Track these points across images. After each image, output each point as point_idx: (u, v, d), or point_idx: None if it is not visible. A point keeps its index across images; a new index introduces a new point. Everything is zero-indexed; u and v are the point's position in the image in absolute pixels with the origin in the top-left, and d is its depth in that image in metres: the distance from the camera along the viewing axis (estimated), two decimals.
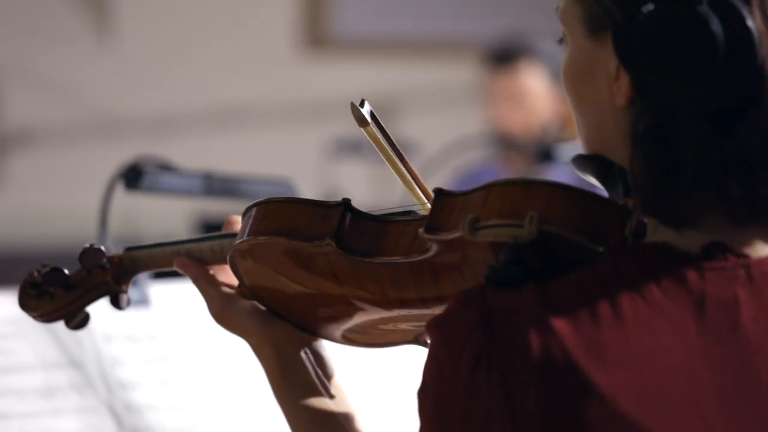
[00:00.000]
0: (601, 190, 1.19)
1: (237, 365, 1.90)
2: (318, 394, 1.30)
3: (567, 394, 1.06)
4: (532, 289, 1.09)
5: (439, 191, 1.19)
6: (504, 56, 3.92)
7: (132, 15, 5.49)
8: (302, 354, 1.31)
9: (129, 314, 1.84)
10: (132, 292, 1.46)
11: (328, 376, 1.32)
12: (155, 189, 2.11)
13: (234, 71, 5.56)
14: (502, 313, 1.08)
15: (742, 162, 1.11)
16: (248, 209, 1.31)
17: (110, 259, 1.43)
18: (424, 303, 1.23)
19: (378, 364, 1.92)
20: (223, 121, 5.54)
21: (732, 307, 1.11)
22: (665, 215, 1.13)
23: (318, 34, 5.69)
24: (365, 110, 1.26)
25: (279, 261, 1.28)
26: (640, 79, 1.12)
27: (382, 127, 1.28)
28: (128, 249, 1.43)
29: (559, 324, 1.07)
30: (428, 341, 1.12)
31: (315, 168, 4.43)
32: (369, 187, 5.16)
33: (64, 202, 5.28)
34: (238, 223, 1.35)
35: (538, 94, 3.89)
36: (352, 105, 1.26)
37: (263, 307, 1.33)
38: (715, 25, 1.09)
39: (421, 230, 1.18)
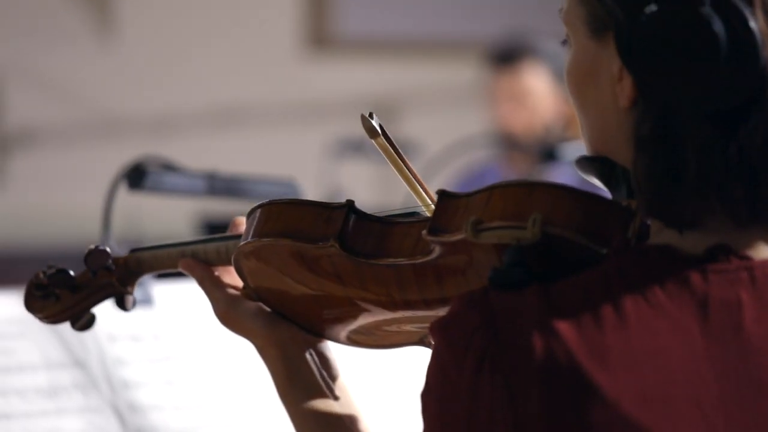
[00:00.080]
0: (605, 191, 1.19)
1: (241, 365, 1.90)
2: (323, 395, 1.30)
3: (570, 396, 1.06)
4: (536, 291, 1.09)
5: (442, 193, 1.19)
6: (507, 56, 3.92)
7: (133, 15, 5.50)
8: (307, 355, 1.32)
9: (133, 314, 1.84)
10: (136, 292, 1.47)
11: (333, 378, 1.32)
12: (158, 189, 2.11)
13: (236, 71, 5.56)
14: (505, 315, 1.08)
15: (744, 163, 1.11)
16: (252, 211, 1.31)
17: (115, 260, 1.43)
18: (427, 305, 1.23)
19: (383, 365, 1.92)
20: (225, 121, 5.54)
21: (735, 309, 1.11)
22: (668, 217, 1.13)
23: (320, 33, 5.69)
24: (375, 122, 1.27)
25: (283, 262, 1.29)
26: (642, 80, 1.12)
27: (391, 138, 1.29)
28: (133, 250, 1.44)
29: (563, 326, 1.07)
30: (432, 343, 1.13)
31: (317, 168, 4.44)
32: (371, 187, 5.16)
33: (65, 202, 5.29)
34: (243, 224, 1.35)
35: (540, 94, 3.89)
36: (362, 117, 1.27)
37: (268, 309, 1.34)
38: (718, 26, 1.09)
39: (424, 232, 1.19)
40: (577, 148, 2.88)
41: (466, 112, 5.15)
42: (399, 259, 1.23)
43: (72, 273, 1.43)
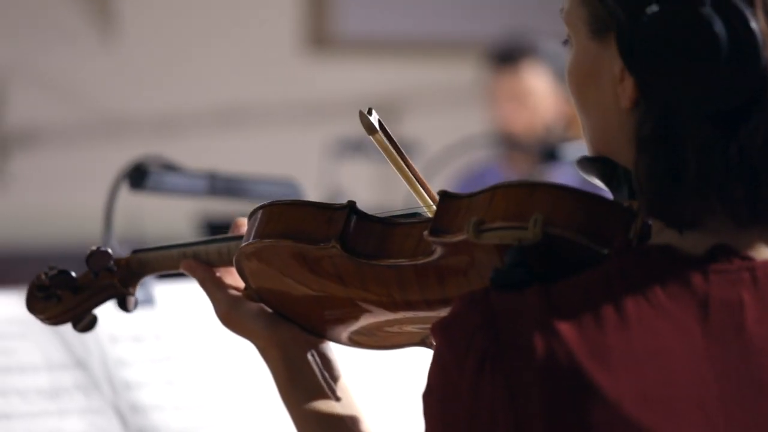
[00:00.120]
0: (606, 191, 1.19)
1: (242, 365, 1.90)
2: (325, 396, 1.30)
3: (571, 396, 1.06)
4: (537, 292, 1.09)
5: (443, 194, 1.19)
6: (507, 56, 3.92)
7: (135, 15, 5.50)
8: (309, 356, 1.32)
9: (134, 314, 1.84)
10: (137, 293, 1.47)
11: (335, 378, 1.32)
12: (160, 189, 2.12)
13: (237, 71, 5.56)
14: (506, 316, 1.08)
15: (744, 163, 1.11)
16: (254, 212, 1.31)
17: (117, 261, 1.43)
18: (429, 305, 1.24)
19: (384, 366, 1.92)
20: (227, 121, 5.54)
21: (736, 309, 1.11)
22: (669, 217, 1.13)
23: (321, 33, 5.69)
24: (373, 118, 1.27)
25: (285, 263, 1.29)
26: (644, 81, 1.12)
27: (390, 134, 1.29)
28: (135, 251, 1.44)
29: (564, 326, 1.07)
30: (433, 343, 1.13)
31: (318, 168, 4.44)
32: (372, 187, 5.16)
33: (66, 202, 5.29)
34: (244, 225, 1.35)
35: (541, 94, 3.89)
36: (361, 113, 1.27)
37: (270, 310, 1.34)
38: (719, 27, 1.09)
39: (425, 233, 1.19)
40: (578, 148, 2.88)
41: (467, 112, 5.15)
42: (400, 260, 1.23)
43: (74, 274, 1.43)
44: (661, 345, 1.09)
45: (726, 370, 1.09)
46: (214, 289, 1.36)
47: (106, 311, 1.47)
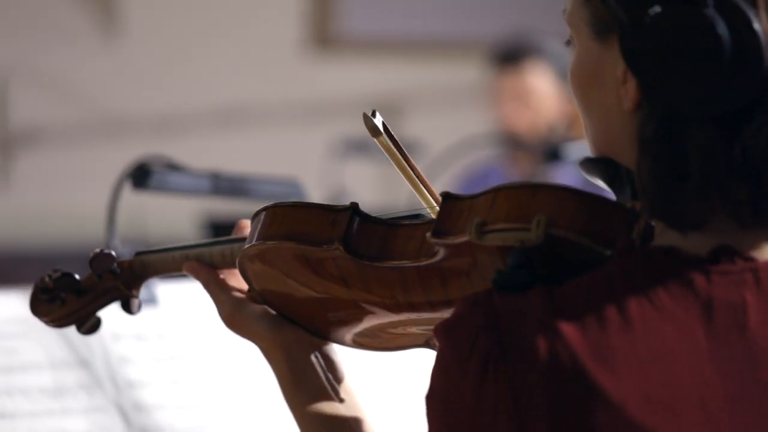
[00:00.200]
0: (609, 192, 1.19)
1: (245, 364, 1.90)
2: (328, 398, 1.30)
3: (574, 398, 1.06)
4: (540, 293, 1.09)
5: (446, 195, 1.19)
6: (510, 56, 3.92)
7: (137, 14, 5.50)
8: (313, 358, 1.32)
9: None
10: (141, 292, 1.47)
11: (339, 380, 1.32)
12: (163, 188, 2.12)
13: (240, 71, 5.57)
14: (509, 317, 1.08)
15: (747, 164, 1.11)
16: (257, 214, 1.31)
17: (121, 264, 1.43)
18: (432, 307, 1.23)
19: (388, 367, 1.92)
20: (229, 121, 5.54)
21: (739, 310, 1.11)
22: (672, 218, 1.13)
23: (324, 33, 5.69)
24: (377, 120, 1.27)
25: (288, 265, 1.29)
26: (646, 83, 1.12)
27: (394, 137, 1.29)
28: (138, 254, 1.44)
29: (567, 328, 1.07)
30: (437, 345, 1.13)
31: (321, 167, 4.44)
32: (375, 187, 5.16)
33: (69, 202, 5.29)
34: (247, 227, 1.35)
35: (544, 94, 3.89)
36: (365, 116, 1.27)
37: (273, 312, 1.34)
38: (722, 28, 1.09)
39: (428, 234, 1.19)
40: (581, 147, 2.88)
41: (470, 111, 5.15)
42: (403, 262, 1.23)
43: (77, 277, 1.43)
44: (664, 346, 1.09)
45: (729, 372, 1.09)
46: (218, 291, 1.36)
47: (110, 310, 1.48)
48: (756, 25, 1.09)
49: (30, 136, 5.41)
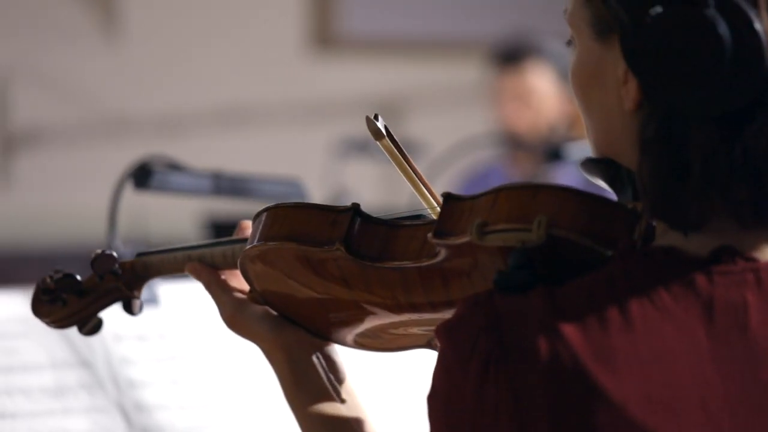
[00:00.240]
0: (610, 193, 1.19)
1: (246, 364, 1.90)
2: (330, 398, 1.30)
3: (575, 398, 1.06)
4: (541, 294, 1.09)
5: (447, 196, 1.19)
6: (510, 56, 3.92)
7: (139, 14, 5.50)
8: (314, 359, 1.32)
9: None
10: (142, 293, 1.47)
11: (340, 381, 1.32)
12: (164, 188, 2.12)
13: (241, 71, 5.57)
14: (510, 318, 1.08)
15: (749, 165, 1.11)
16: (258, 214, 1.31)
17: (122, 265, 1.43)
18: (433, 307, 1.23)
19: (389, 368, 1.92)
20: (231, 121, 5.54)
21: (741, 311, 1.11)
22: (673, 219, 1.13)
23: (325, 33, 5.69)
24: (380, 123, 1.27)
25: (289, 266, 1.29)
26: (647, 83, 1.12)
27: (396, 140, 1.29)
28: (140, 254, 1.44)
29: (568, 328, 1.07)
30: (438, 345, 1.13)
31: (322, 167, 4.44)
32: (376, 187, 5.16)
33: (70, 202, 5.29)
34: (248, 228, 1.35)
35: (544, 94, 3.89)
36: (368, 119, 1.28)
37: (275, 312, 1.34)
38: (723, 29, 1.09)
39: (429, 235, 1.19)
40: (582, 147, 2.88)
41: (471, 111, 5.15)
42: (405, 262, 1.23)
43: (79, 278, 1.43)
44: (665, 347, 1.09)
45: (731, 372, 1.09)
46: (219, 292, 1.36)
47: (111, 310, 1.48)
48: (757, 26, 1.09)
49: (31, 136, 5.41)
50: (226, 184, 2.19)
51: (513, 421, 1.07)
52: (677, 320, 1.09)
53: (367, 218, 1.27)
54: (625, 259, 1.11)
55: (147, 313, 1.89)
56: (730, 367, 1.10)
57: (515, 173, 3.93)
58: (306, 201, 2.02)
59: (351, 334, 1.33)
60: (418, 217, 1.29)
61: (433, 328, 1.25)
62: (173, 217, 4.42)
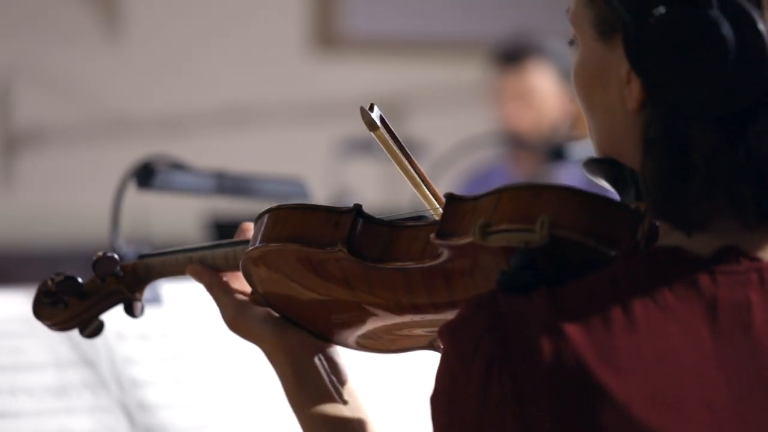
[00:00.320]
0: (613, 193, 1.19)
1: (249, 364, 1.90)
2: (332, 400, 1.30)
3: (579, 399, 1.06)
4: (544, 294, 1.09)
5: (450, 196, 1.19)
6: (512, 55, 3.92)
7: (141, 14, 5.50)
8: (316, 360, 1.31)
9: None
10: (145, 292, 1.47)
11: (342, 383, 1.32)
12: (167, 188, 2.12)
13: (244, 70, 5.57)
14: (513, 319, 1.08)
15: (752, 165, 1.11)
16: (260, 216, 1.31)
17: (124, 267, 1.43)
18: (436, 308, 1.23)
19: (392, 369, 1.92)
20: (233, 120, 5.55)
21: (744, 310, 1.10)
22: (676, 219, 1.13)
23: (327, 33, 5.69)
24: (375, 114, 1.27)
25: (291, 267, 1.28)
26: (650, 83, 1.12)
27: (392, 130, 1.28)
28: (141, 257, 1.43)
29: (571, 329, 1.07)
30: (441, 346, 1.13)
31: (325, 167, 4.44)
32: (379, 187, 5.16)
33: (73, 202, 5.29)
34: (250, 230, 1.35)
35: (546, 93, 3.89)
36: (362, 109, 1.27)
37: (276, 314, 1.33)
38: (726, 29, 1.09)
39: (432, 236, 1.18)
40: (585, 147, 2.88)
41: (473, 111, 5.15)
42: (407, 263, 1.22)
43: (80, 280, 1.43)
44: (669, 347, 1.09)
45: (735, 372, 1.09)
46: (221, 293, 1.35)
47: (114, 309, 1.48)
48: (760, 26, 1.09)
49: (33, 135, 5.42)
50: (229, 184, 2.19)
51: (516, 422, 1.07)
52: (681, 320, 1.09)
53: (369, 219, 1.26)
54: (628, 259, 1.11)
55: (150, 313, 1.89)
56: (734, 366, 1.09)
57: (518, 173, 3.93)
58: (309, 201, 2.02)
59: (353, 335, 1.32)
60: (421, 217, 1.28)
61: (435, 329, 1.25)
62: (176, 216, 4.43)
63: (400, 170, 1.30)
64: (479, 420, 1.08)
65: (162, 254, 1.43)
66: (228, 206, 2.78)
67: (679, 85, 1.11)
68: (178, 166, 2.13)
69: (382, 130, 1.27)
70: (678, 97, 1.11)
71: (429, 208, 1.30)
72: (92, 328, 1.44)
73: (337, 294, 1.28)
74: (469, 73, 5.36)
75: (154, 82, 5.48)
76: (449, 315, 1.20)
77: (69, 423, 1.80)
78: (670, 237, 1.14)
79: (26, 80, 5.36)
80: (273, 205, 1.31)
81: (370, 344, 1.34)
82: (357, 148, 4.04)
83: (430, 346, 1.33)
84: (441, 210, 1.21)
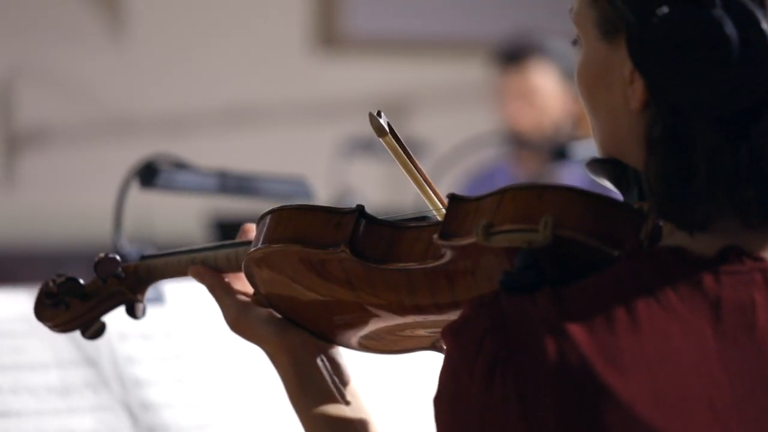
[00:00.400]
0: (616, 193, 1.19)
1: (251, 363, 1.90)
2: (334, 401, 1.30)
3: (583, 399, 1.06)
4: (547, 294, 1.09)
5: (452, 197, 1.19)
6: (514, 55, 3.92)
7: (145, 13, 5.50)
8: (318, 361, 1.31)
9: None
10: (146, 295, 1.46)
11: (345, 383, 1.32)
12: (170, 187, 2.12)
13: (246, 70, 5.57)
14: (516, 319, 1.08)
15: (755, 165, 1.11)
16: (262, 217, 1.31)
17: (125, 268, 1.42)
18: (439, 309, 1.23)
19: (394, 370, 1.92)
20: (236, 120, 5.55)
21: (748, 310, 1.10)
22: (679, 218, 1.13)
23: (330, 33, 5.69)
24: (383, 120, 1.27)
25: (294, 268, 1.28)
26: (654, 83, 1.12)
27: (399, 137, 1.29)
28: (143, 258, 1.43)
29: (575, 329, 1.07)
30: (444, 347, 1.13)
31: (327, 166, 4.44)
32: (381, 186, 5.16)
33: (76, 201, 5.30)
34: (252, 231, 1.34)
35: (548, 93, 3.89)
36: (371, 115, 1.27)
37: (279, 315, 1.33)
38: (729, 29, 1.09)
39: (435, 236, 1.18)
40: (588, 146, 2.88)
41: (475, 110, 5.15)
42: (410, 264, 1.22)
43: (81, 281, 1.43)
44: (672, 347, 1.08)
45: (738, 372, 1.09)
46: (223, 294, 1.35)
47: (115, 310, 1.48)
48: (764, 26, 1.09)
49: (36, 135, 5.42)
50: (232, 183, 2.19)
51: (520, 422, 1.06)
52: (684, 320, 1.09)
53: (371, 220, 1.26)
54: (631, 260, 1.11)
55: (152, 312, 1.89)
56: (738, 367, 1.09)
57: (520, 172, 3.93)
58: (311, 200, 2.02)
59: (355, 336, 1.32)
60: (423, 218, 1.28)
61: (437, 330, 1.25)
62: (179, 216, 4.43)
63: (405, 173, 1.30)
64: (482, 421, 1.08)
65: (164, 255, 1.43)
66: (231, 206, 2.78)
67: (682, 84, 1.11)
68: (181, 166, 2.13)
69: (390, 136, 1.28)
70: (681, 97, 1.11)
71: (432, 208, 1.30)
72: (94, 330, 1.44)
73: (340, 295, 1.28)
74: (471, 73, 5.36)
75: (157, 81, 5.49)
76: (452, 316, 1.20)
77: (71, 422, 1.80)
78: (673, 237, 1.14)
79: (29, 80, 5.37)
80: (275, 205, 1.31)
81: (372, 345, 1.34)
82: (360, 147, 4.04)
83: (433, 347, 1.33)
84: (444, 210, 1.21)
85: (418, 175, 1.30)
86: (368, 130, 1.30)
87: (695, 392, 1.08)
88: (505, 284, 1.10)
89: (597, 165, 1.19)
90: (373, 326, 1.30)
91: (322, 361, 1.32)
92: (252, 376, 1.90)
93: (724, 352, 1.10)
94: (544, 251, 1.10)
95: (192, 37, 5.54)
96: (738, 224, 1.13)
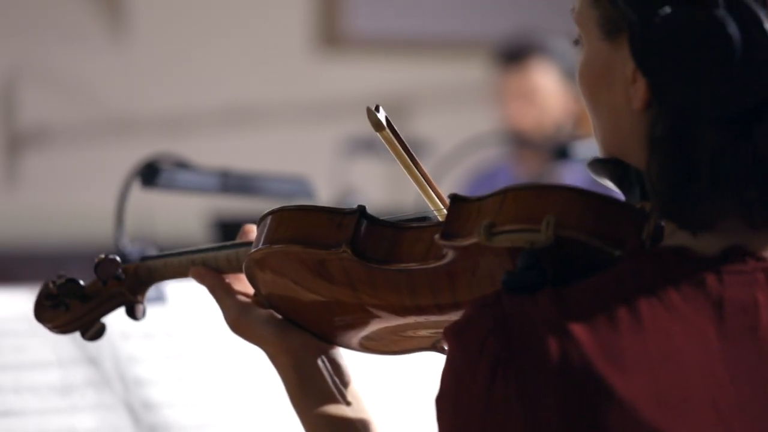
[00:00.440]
0: (618, 193, 1.19)
1: (252, 362, 1.90)
2: (335, 402, 1.30)
3: (585, 399, 1.06)
4: (549, 294, 1.08)
5: (454, 197, 1.19)
6: (514, 54, 3.92)
7: (146, 13, 5.50)
8: (319, 362, 1.31)
9: None
10: (147, 295, 1.46)
11: (345, 384, 1.31)
12: (172, 186, 2.12)
13: (248, 70, 5.57)
14: (518, 319, 1.08)
15: (758, 165, 1.11)
16: (263, 218, 1.30)
17: (125, 269, 1.42)
18: (440, 310, 1.23)
19: (396, 371, 1.92)
20: (237, 120, 5.55)
21: (751, 310, 1.10)
22: (682, 218, 1.13)
23: (332, 32, 5.69)
24: (381, 115, 1.27)
25: (294, 269, 1.28)
26: (656, 83, 1.12)
27: (397, 132, 1.28)
28: (143, 259, 1.43)
29: (577, 329, 1.07)
30: (446, 348, 1.12)
31: (329, 166, 4.44)
32: (383, 186, 5.16)
33: (77, 201, 5.30)
34: (253, 231, 1.34)
35: (549, 92, 3.89)
36: (368, 110, 1.27)
37: (279, 316, 1.33)
38: (732, 29, 1.09)
39: (436, 237, 1.18)
40: (589, 146, 2.88)
41: (476, 110, 5.15)
42: (411, 264, 1.22)
43: (82, 282, 1.42)
44: (675, 346, 1.08)
45: (741, 371, 1.09)
46: (224, 295, 1.35)
47: (116, 311, 1.48)
48: (767, 26, 1.09)
49: (38, 135, 5.42)
50: (233, 182, 2.19)
51: (522, 423, 1.06)
52: (687, 320, 1.09)
53: (373, 220, 1.26)
54: (633, 259, 1.11)
55: (154, 312, 1.90)
56: (741, 366, 1.09)
57: (522, 172, 3.93)
58: (313, 200, 2.02)
59: (356, 337, 1.32)
60: (425, 218, 1.28)
61: (439, 330, 1.25)
62: (180, 215, 4.43)
63: (404, 170, 1.30)
64: (484, 421, 1.07)
65: (164, 256, 1.42)
66: (232, 205, 2.78)
67: (684, 84, 1.10)
68: (182, 165, 2.13)
69: (388, 130, 1.27)
70: (683, 97, 1.11)
71: (433, 208, 1.30)
72: (94, 331, 1.44)
73: (341, 296, 1.27)
74: (472, 73, 5.36)
75: (158, 81, 5.49)
76: (454, 316, 1.20)
77: (73, 421, 1.80)
78: (675, 237, 1.14)
79: (30, 80, 5.37)
80: (277, 205, 1.31)
81: (373, 346, 1.33)
82: (361, 147, 4.04)
83: (434, 348, 1.32)
84: (445, 211, 1.20)
85: (417, 172, 1.29)
86: (369, 129, 1.29)
87: (698, 392, 1.08)
88: (507, 284, 1.09)
89: (598, 165, 1.19)
90: (374, 327, 1.30)
91: (323, 361, 1.32)
92: (253, 375, 1.91)
93: (726, 352, 1.10)
94: (546, 251, 1.10)
95: (193, 37, 5.54)
96: (740, 224, 1.13)
